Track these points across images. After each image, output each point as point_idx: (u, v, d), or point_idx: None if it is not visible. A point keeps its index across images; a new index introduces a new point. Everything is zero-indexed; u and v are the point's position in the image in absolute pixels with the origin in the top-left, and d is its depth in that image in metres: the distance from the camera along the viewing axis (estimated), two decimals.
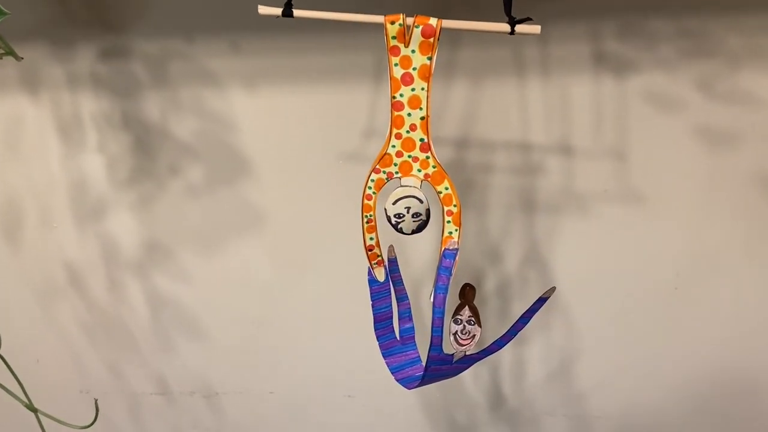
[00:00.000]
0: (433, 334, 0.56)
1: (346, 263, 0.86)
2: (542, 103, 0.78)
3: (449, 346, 0.60)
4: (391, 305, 0.63)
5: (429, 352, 0.57)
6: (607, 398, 0.94)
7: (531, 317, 0.62)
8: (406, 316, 0.66)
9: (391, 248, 0.66)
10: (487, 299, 0.89)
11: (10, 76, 0.81)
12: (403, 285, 0.66)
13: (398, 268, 0.66)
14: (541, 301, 0.62)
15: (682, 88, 0.76)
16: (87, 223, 0.88)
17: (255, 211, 0.86)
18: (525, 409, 0.95)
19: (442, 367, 0.59)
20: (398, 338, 0.65)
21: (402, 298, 0.66)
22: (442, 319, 0.56)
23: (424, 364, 0.59)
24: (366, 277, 0.62)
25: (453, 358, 0.59)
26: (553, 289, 0.62)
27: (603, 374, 0.92)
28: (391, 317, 0.64)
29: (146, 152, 0.84)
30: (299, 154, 0.83)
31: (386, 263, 0.62)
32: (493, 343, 0.62)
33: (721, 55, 0.75)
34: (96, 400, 0.70)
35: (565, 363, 0.92)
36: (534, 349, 0.91)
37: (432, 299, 0.56)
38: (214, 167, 0.85)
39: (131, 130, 0.83)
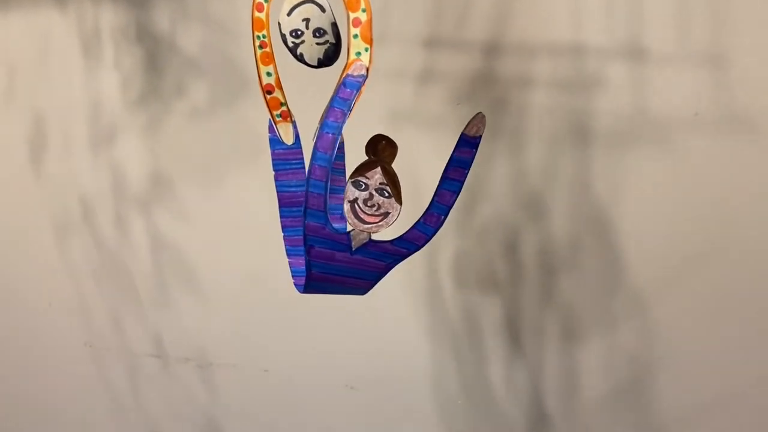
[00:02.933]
0: (310, 191, 0.38)
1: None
2: None
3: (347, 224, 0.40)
4: (304, 184, 0.46)
5: (304, 219, 0.38)
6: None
7: (462, 178, 0.40)
8: (337, 213, 0.47)
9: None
10: (524, 268, 0.65)
11: None
12: (344, 175, 0.48)
13: (343, 156, 0.48)
14: (468, 144, 0.40)
15: None
16: (100, 150, 0.83)
17: (254, 137, 0.74)
18: None
19: (335, 254, 0.39)
20: None
21: (338, 189, 0.47)
22: (325, 169, 0.37)
23: None
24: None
25: (351, 242, 0.39)
26: (481, 118, 0.40)
27: (692, 394, 0.61)
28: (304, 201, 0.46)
29: (155, 69, 0.77)
30: (304, 69, 0.71)
31: (295, 121, 0.45)
32: (415, 226, 0.40)
33: None
34: None
35: (636, 376, 0.63)
36: (591, 354, 0.65)
37: (314, 140, 0.38)
38: (217, 85, 0.75)
39: (143, 44, 0.78)
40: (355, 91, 0.39)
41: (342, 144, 0.50)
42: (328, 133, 0.38)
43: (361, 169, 0.39)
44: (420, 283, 0.70)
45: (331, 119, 0.38)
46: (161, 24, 0.76)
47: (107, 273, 0.87)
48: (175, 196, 0.80)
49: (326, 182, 0.38)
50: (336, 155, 0.49)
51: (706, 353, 0.61)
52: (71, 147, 0.85)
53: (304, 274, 0.44)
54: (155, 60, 0.77)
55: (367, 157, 0.40)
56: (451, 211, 0.60)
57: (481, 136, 0.40)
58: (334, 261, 0.40)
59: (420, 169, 0.54)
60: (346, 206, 0.39)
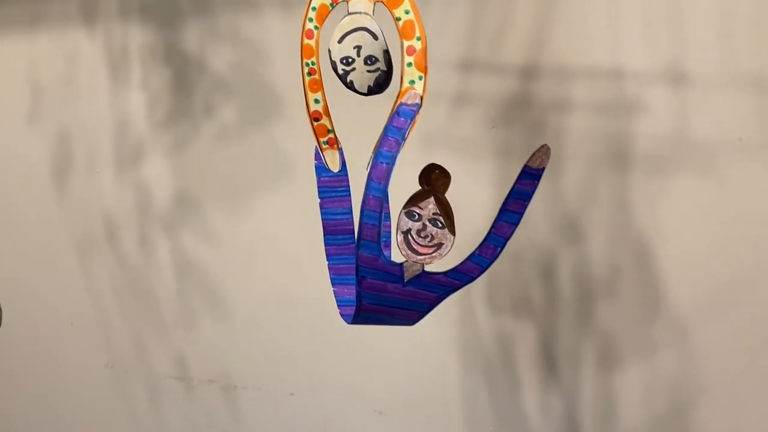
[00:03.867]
0: (364, 221, 0.37)
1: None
2: (642, 11, 0.57)
3: (400, 255, 0.39)
4: (351, 212, 0.45)
5: (357, 250, 0.37)
6: None
7: (522, 210, 0.39)
8: (383, 240, 0.46)
9: None
10: (560, 294, 0.64)
11: (71, 8, 0.81)
12: (387, 201, 0.47)
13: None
14: (531, 176, 0.39)
15: None
16: (126, 170, 0.83)
17: (283, 159, 0.74)
18: None
19: (386, 285, 0.38)
20: None
21: (383, 217, 0.47)
22: (379, 199, 0.37)
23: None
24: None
25: (404, 273, 0.38)
26: (546, 150, 0.39)
27: (734, 424, 0.60)
28: (352, 230, 0.45)
29: (184, 88, 0.77)
30: (336, 89, 0.70)
31: (342, 148, 0.44)
32: (470, 257, 0.39)
33: None
34: None
35: (676, 405, 0.62)
36: (631, 381, 0.63)
37: (368, 169, 0.38)
38: (247, 105, 0.75)
39: (172, 63, 0.77)
40: (409, 120, 0.38)
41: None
42: (382, 162, 0.37)
43: (415, 200, 0.39)
44: (452, 307, 0.69)
45: (386, 149, 0.38)
46: (190, 43, 0.76)
47: (130, 293, 0.86)
48: (202, 217, 0.80)
49: (380, 213, 0.37)
50: None
51: (749, 382, 0.60)
52: (96, 166, 0.84)
53: (352, 304, 0.44)
54: (183, 80, 0.77)
55: (420, 187, 0.39)
56: (480, 233, 0.59)
57: (544, 168, 0.39)
58: (386, 292, 0.39)
59: (453, 191, 0.53)
60: (399, 237, 0.38)
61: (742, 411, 0.60)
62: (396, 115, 0.38)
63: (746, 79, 0.55)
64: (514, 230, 0.39)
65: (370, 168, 0.38)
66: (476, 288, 0.68)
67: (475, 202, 0.64)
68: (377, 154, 0.38)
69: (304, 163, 0.73)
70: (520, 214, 0.39)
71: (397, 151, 0.38)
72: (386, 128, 0.38)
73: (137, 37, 0.78)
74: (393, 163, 0.38)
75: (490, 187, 0.65)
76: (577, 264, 0.63)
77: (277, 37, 0.72)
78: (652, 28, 0.57)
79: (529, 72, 0.62)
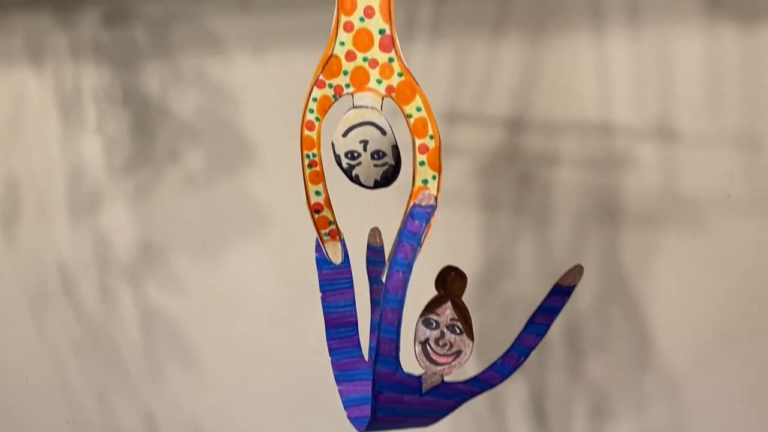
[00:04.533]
0: (381, 336, 0.34)
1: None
2: (630, 67, 0.56)
3: (418, 365, 0.37)
4: (354, 305, 0.43)
5: (375, 365, 0.35)
6: None
7: (548, 323, 0.38)
8: None
9: (376, 233, 0.46)
10: (550, 347, 0.64)
11: (16, 45, 0.74)
12: (383, 266, 0.45)
13: (384, 262, 0.45)
14: (560, 294, 0.38)
15: None
16: (82, 217, 0.77)
17: (259, 208, 0.70)
18: None
19: (403, 397, 0.36)
20: (366, 358, 0.43)
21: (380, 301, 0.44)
22: (398, 312, 0.34)
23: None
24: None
25: (422, 385, 0.36)
26: (579, 269, 0.38)
27: None
28: (355, 323, 0.43)
29: (145, 133, 0.72)
30: (340, 175, 0.67)
31: (344, 239, 0.42)
32: (491, 366, 0.38)
33: None
34: None
35: None
36: (621, 429, 0.64)
37: (384, 279, 0.35)
38: (215, 152, 0.71)
39: (131, 107, 0.72)
40: (424, 224, 0.36)
41: (382, 248, 0.47)
42: (398, 271, 0.35)
43: (431, 306, 0.36)
44: None
45: (401, 256, 0.35)
46: (151, 86, 0.71)
47: (91, 347, 0.81)
48: (168, 267, 0.75)
49: (399, 326, 0.35)
50: (375, 260, 0.46)
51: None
52: (49, 214, 0.78)
53: (359, 404, 0.41)
54: (144, 124, 0.72)
55: (438, 292, 0.37)
56: (471, 286, 0.57)
57: (576, 285, 0.38)
58: (402, 404, 0.37)
59: (439, 242, 0.52)
60: (417, 348, 0.36)
61: None
62: (410, 218, 0.36)
63: (734, 137, 0.55)
64: (539, 341, 0.38)
65: (387, 278, 0.35)
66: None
67: (461, 254, 0.63)
68: (393, 261, 0.35)
69: (278, 213, 0.70)
70: (547, 326, 0.38)
71: (414, 258, 0.35)
72: (400, 233, 0.36)
73: (91, 78, 0.73)
74: (410, 272, 0.35)
75: (477, 239, 0.63)
76: (566, 317, 0.63)
77: (247, 82, 0.68)
78: (641, 83, 0.56)
79: (516, 124, 0.60)
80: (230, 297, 0.74)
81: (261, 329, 0.74)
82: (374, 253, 0.46)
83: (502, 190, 0.62)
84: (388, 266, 0.36)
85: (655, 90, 0.56)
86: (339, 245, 0.42)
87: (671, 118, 0.56)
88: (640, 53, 0.56)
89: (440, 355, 0.36)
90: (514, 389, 0.66)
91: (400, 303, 0.35)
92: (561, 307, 0.38)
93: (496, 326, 0.65)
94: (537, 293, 0.64)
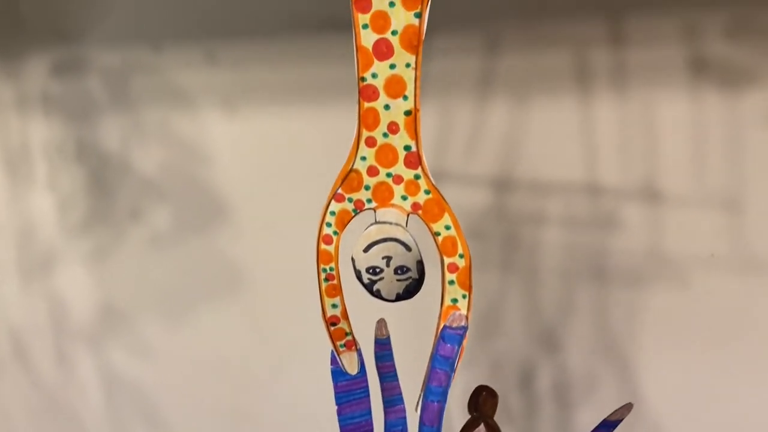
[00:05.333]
0: None
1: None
2: (617, 130, 0.56)
3: None
4: (370, 413, 0.41)
5: None
6: None
7: None
8: (397, 429, 0.43)
9: (382, 324, 0.44)
10: (539, 404, 0.64)
11: None
12: (397, 380, 0.43)
13: (392, 355, 0.44)
14: (608, 426, 0.38)
15: None
16: (34, 280, 0.71)
17: (231, 269, 0.67)
18: None
19: None
20: None
21: (394, 401, 0.43)
22: None
23: None
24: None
25: None
26: (628, 407, 0.38)
27: None
28: (372, 430, 0.41)
29: (103, 190, 0.67)
30: (288, 195, 0.64)
31: (360, 348, 0.40)
32: None
33: None
34: None
35: None
36: None
37: (419, 410, 0.34)
38: (183, 211, 0.67)
39: (86, 163, 0.67)
40: (457, 347, 0.34)
41: (388, 339, 0.45)
42: (433, 401, 0.33)
43: (467, 429, 0.35)
44: None
45: (435, 384, 0.34)
46: (109, 141, 0.66)
47: (49, 416, 0.75)
48: (133, 331, 0.71)
49: None
50: (384, 354, 0.44)
51: None
52: None
53: None
54: (102, 181, 0.67)
55: (469, 415, 0.36)
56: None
57: (622, 419, 0.37)
58: None
59: (428, 303, 0.51)
60: None
61: None
62: (441, 342, 0.34)
63: (717, 198, 0.56)
64: None
65: (421, 409, 0.34)
66: (454, 398, 0.65)
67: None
68: (427, 391, 0.34)
69: (252, 273, 0.67)
70: None
71: (449, 385, 0.34)
72: (433, 358, 0.34)
73: (41, 131, 0.67)
74: (445, 400, 0.34)
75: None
76: (555, 373, 0.63)
77: (217, 139, 0.64)
78: (627, 145, 0.57)
79: (503, 184, 0.59)
80: (201, 361, 0.70)
81: (234, 394, 0.70)
82: (382, 346, 0.44)
83: (489, 250, 0.61)
84: (422, 395, 0.34)
85: (640, 152, 0.57)
86: (355, 355, 0.40)
87: (656, 180, 0.57)
88: (626, 116, 0.56)
89: None
90: None
91: None
92: None
93: (485, 382, 0.65)
94: (526, 351, 0.64)
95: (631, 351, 0.61)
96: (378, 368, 0.44)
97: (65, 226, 0.69)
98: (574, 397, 0.63)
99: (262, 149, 0.64)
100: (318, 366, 0.63)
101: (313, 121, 0.62)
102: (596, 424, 0.39)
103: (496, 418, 0.64)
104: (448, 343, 0.34)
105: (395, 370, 0.44)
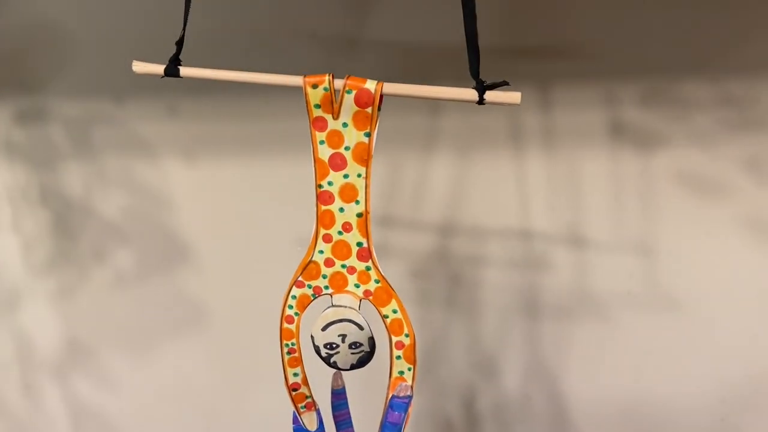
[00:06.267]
0: None
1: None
2: (546, 183, 0.63)
3: None
4: None
5: None
6: None
7: None
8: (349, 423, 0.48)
9: (337, 376, 0.50)
10: (480, 424, 0.71)
11: None
12: (351, 427, 0.49)
13: (347, 403, 0.49)
14: None
15: (725, 168, 0.60)
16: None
17: (194, 306, 0.71)
18: None
19: None
20: None
21: (344, 409, 0.49)
22: None
23: None
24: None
25: None
26: None
27: None
28: None
29: (67, 233, 0.70)
30: (247, 238, 0.69)
31: (318, 408, 0.45)
32: None
33: None
34: None
35: None
36: None
37: None
38: (146, 252, 0.70)
39: (50, 207, 0.70)
40: (403, 413, 0.40)
41: (343, 389, 0.50)
42: None
43: None
44: None
45: None
46: (72, 187, 0.69)
47: None
48: (98, 365, 0.74)
49: None
50: (339, 403, 0.50)
51: None
52: None
53: None
54: (66, 224, 0.70)
55: None
56: None
57: None
58: None
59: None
60: None
61: None
62: (390, 410, 0.40)
63: (632, 243, 0.63)
64: None
65: None
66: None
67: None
68: None
69: (213, 310, 0.72)
70: None
71: None
72: (383, 425, 0.40)
73: (4, 176, 0.69)
74: None
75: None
76: (494, 396, 0.70)
77: (178, 185, 0.68)
78: (555, 196, 0.63)
79: (447, 229, 0.65)
80: (164, 392, 0.74)
81: (197, 423, 0.75)
82: (337, 396, 0.50)
83: (434, 287, 0.67)
84: None
85: (566, 202, 0.63)
86: (314, 414, 0.45)
87: (580, 227, 0.64)
88: (554, 171, 0.63)
89: None
90: None
91: None
92: None
93: (431, 406, 0.71)
94: (467, 377, 0.71)
95: (560, 375, 0.68)
96: (334, 417, 0.49)
97: (30, 265, 0.72)
98: (510, 416, 0.70)
99: (220, 195, 0.68)
100: (277, 395, 0.69)
101: (267, 170, 0.66)
102: None
103: None
104: (395, 410, 0.40)
105: (350, 417, 0.49)
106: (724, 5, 0.56)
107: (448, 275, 0.67)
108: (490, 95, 0.35)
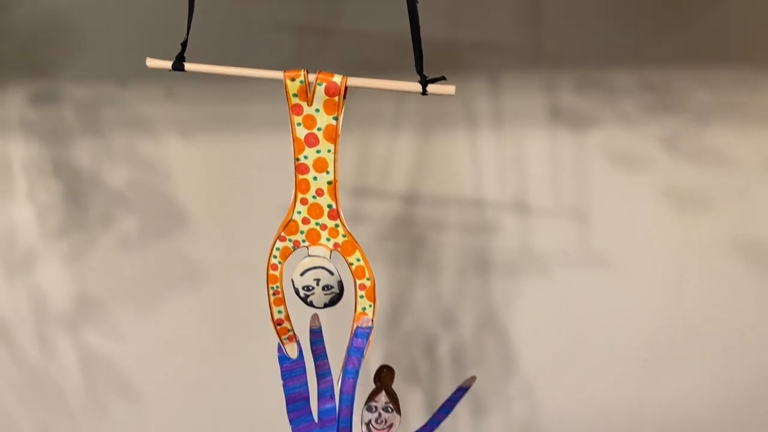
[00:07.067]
0: (340, 425, 0.50)
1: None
2: (495, 158, 0.73)
3: None
4: (306, 384, 0.57)
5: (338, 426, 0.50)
6: None
7: (452, 407, 0.56)
8: (327, 394, 0.59)
9: (315, 317, 0.60)
10: (441, 365, 0.82)
11: None
12: (326, 359, 0.59)
13: (322, 340, 0.60)
14: (461, 390, 0.56)
15: (646, 145, 0.71)
16: (17, 276, 0.83)
17: (190, 266, 0.81)
18: None
19: None
20: (316, 420, 0.58)
21: (324, 374, 0.59)
22: (350, 407, 0.49)
23: None
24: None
25: None
26: (473, 378, 0.56)
27: None
28: (307, 397, 0.57)
29: (77, 201, 0.79)
30: (237, 205, 0.78)
31: (299, 339, 0.56)
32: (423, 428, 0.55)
33: (689, 111, 0.69)
34: None
35: None
36: (493, 424, 0.84)
37: (338, 385, 0.50)
38: (147, 218, 0.80)
39: (62, 178, 0.79)
40: (365, 341, 0.51)
41: (320, 329, 0.61)
42: (349, 378, 0.50)
43: (372, 396, 0.52)
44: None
45: (350, 366, 0.50)
46: (82, 160, 0.78)
47: (32, 390, 0.88)
48: (106, 318, 0.84)
49: (351, 418, 0.50)
50: (316, 340, 0.60)
51: (572, 423, 0.83)
52: None
53: None
54: (76, 194, 0.79)
55: (375, 385, 0.52)
56: (379, 321, 0.75)
57: (470, 387, 0.54)
58: None
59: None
60: (363, 428, 0.52)
61: None
62: (355, 337, 0.50)
63: (568, 209, 0.74)
64: (443, 419, 0.54)
65: (341, 384, 0.50)
66: (372, 363, 0.82)
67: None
68: (344, 371, 0.50)
69: (210, 271, 0.81)
70: (452, 408, 0.54)
71: (359, 366, 0.50)
72: (349, 349, 0.50)
73: (19, 152, 0.78)
74: (357, 376, 0.50)
75: (383, 287, 0.79)
76: (452, 342, 0.81)
77: (175, 159, 0.77)
78: (503, 169, 0.73)
79: (411, 198, 0.75)
80: (167, 341, 0.84)
81: (194, 367, 0.85)
82: (315, 334, 0.60)
83: (401, 249, 0.78)
84: (341, 375, 0.51)
85: (513, 175, 0.73)
86: (295, 345, 0.55)
87: (525, 196, 0.74)
88: (502, 147, 0.73)
89: (379, 429, 0.52)
90: (413, 397, 0.83)
91: (352, 400, 0.50)
92: (459, 399, 0.54)
93: (399, 351, 0.82)
94: (429, 327, 0.81)
95: (508, 323, 0.79)
96: (312, 351, 0.60)
97: (44, 230, 0.81)
98: (466, 360, 0.81)
99: (212, 167, 0.77)
100: (264, 345, 0.79)
101: (253, 146, 0.76)
102: (462, 388, 0.57)
103: (406, 379, 0.82)
104: (359, 338, 0.50)
105: (325, 352, 0.60)
106: (644, 7, 0.66)
107: (412, 238, 0.77)
108: (431, 87, 0.45)
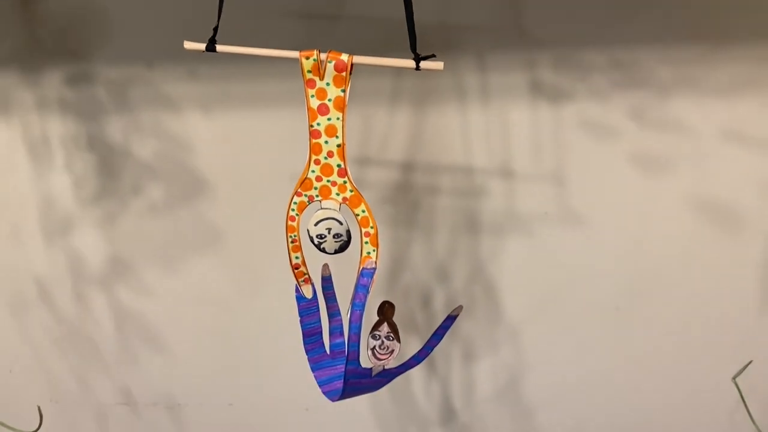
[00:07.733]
0: (350, 349, 0.59)
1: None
2: (483, 129, 0.82)
3: (369, 362, 0.63)
4: (319, 320, 0.67)
5: (346, 366, 0.60)
6: (555, 414, 0.96)
7: (443, 334, 0.65)
8: (337, 331, 0.69)
9: (325, 266, 0.70)
10: (435, 316, 0.92)
11: None
12: (336, 302, 0.69)
13: (332, 286, 0.69)
14: (450, 319, 0.65)
15: (615, 116, 0.80)
16: (55, 239, 0.93)
17: (212, 229, 0.90)
18: (475, 425, 0.98)
19: (361, 380, 0.62)
20: (328, 352, 0.68)
21: (334, 314, 0.69)
22: (358, 334, 0.59)
23: None
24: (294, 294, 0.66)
25: (372, 372, 0.62)
26: (460, 307, 0.65)
27: (550, 391, 0.94)
28: (320, 332, 0.67)
29: (110, 172, 0.88)
30: (253, 175, 0.88)
31: (313, 282, 0.65)
32: (411, 358, 0.64)
33: (652, 85, 0.78)
34: (39, 407, 0.74)
35: (513, 380, 0.94)
36: (482, 366, 0.94)
37: (348, 315, 0.59)
38: (173, 187, 0.89)
39: (96, 151, 0.88)
40: (370, 279, 0.60)
41: (330, 276, 0.70)
42: (356, 310, 0.59)
43: (375, 326, 0.62)
44: None
45: (357, 300, 0.60)
46: (114, 135, 0.87)
47: (69, 343, 0.98)
48: (136, 277, 0.94)
49: (359, 342, 0.60)
50: (327, 286, 0.70)
51: (561, 360, 0.93)
52: (22, 237, 0.93)
53: (329, 383, 0.66)
54: (109, 165, 0.88)
55: (378, 317, 0.62)
56: (380, 277, 0.85)
57: (458, 315, 0.64)
58: (360, 384, 0.62)
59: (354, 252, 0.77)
60: (369, 353, 0.61)
61: (556, 381, 0.93)
62: (361, 276, 0.60)
63: (548, 175, 0.83)
64: (438, 343, 0.64)
65: (350, 315, 0.59)
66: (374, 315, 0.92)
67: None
68: (353, 305, 0.59)
69: (229, 233, 0.91)
70: (443, 335, 0.64)
71: (365, 300, 0.60)
72: (356, 286, 0.60)
73: (57, 128, 0.87)
74: (363, 308, 0.60)
75: (384, 247, 0.88)
76: (446, 296, 0.90)
77: (198, 133, 0.86)
78: (490, 139, 0.82)
79: (408, 166, 0.84)
80: (192, 295, 0.94)
81: (217, 319, 0.95)
82: (326, 281, 0.70)
83: (400, 212, 0.87)
84: (350, 307, 0.60)
85: (499, 144, 0.83)
86: (310, 287, 0.65)
87: (510, 163, 0.83)
88: (489, 119, 0.82)
89: (381, 354, 0.62)
90: (411, 342, 0.93)
91: (359, 329, 0.60)
92: (449, 327, 0.64)
93: (399, 303, 0.92)
94: (425, 281, 0.91)
95: (496, 277, 0.89)
96: (324, 295, 0.69)
97: (80, 198, 0.90)
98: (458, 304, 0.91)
99: (232, 141, 0.86)
100: (279, 296, 0.88)
101: (270, 121, 0.85)
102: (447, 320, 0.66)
103: (405, 327, 0.92)
104: (365, 277, 0.60)
105: (334, 294, 0.70)
106: None
107: (410, 202, 0.86)
108: (423, 64, 0.54)
